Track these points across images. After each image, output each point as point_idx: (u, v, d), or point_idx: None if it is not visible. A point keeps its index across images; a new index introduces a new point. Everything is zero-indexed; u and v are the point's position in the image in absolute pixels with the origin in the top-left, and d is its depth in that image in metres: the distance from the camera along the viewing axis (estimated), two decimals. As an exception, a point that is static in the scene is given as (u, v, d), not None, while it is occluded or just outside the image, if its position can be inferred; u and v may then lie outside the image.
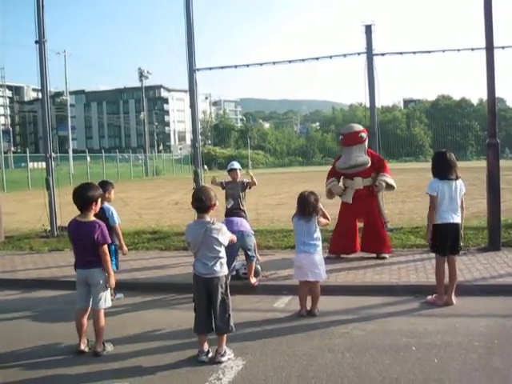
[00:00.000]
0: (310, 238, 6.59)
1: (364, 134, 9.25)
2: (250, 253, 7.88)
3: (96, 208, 5.81)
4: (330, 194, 9.53)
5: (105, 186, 7.85)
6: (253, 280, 7.88)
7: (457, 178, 6.82)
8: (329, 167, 9.96)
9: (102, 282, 5.63)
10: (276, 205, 18.62)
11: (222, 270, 5.37)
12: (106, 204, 7.75)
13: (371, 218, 9.31)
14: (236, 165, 9.14)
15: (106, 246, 5.65)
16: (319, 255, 6.64)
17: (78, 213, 5.73)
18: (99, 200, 5.85)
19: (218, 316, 5.28)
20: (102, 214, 7.56)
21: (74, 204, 5.77)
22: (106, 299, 5.72)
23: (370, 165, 9.13)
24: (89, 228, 5.60)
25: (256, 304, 7.31)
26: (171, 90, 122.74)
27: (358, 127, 9.45)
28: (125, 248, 7.80)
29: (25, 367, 5.33)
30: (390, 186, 9.25)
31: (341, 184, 9.47)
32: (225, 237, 5.42)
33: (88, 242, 5.58)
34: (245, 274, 8.03)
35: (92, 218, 5.71)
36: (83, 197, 5.67)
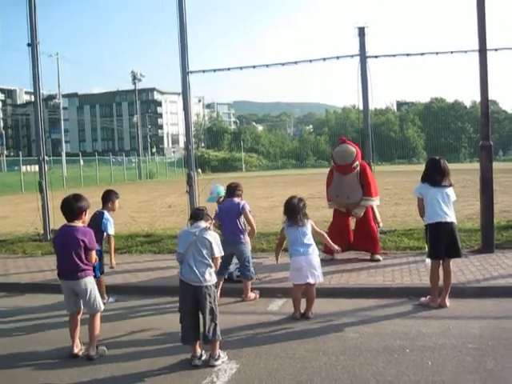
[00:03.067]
0: (307, 240, 6.59)
1: (357, 163, 9.21)
2: (246, 269, 7.57)
3: (84, 218, 5.80)
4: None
5: (109, 195, 7.82)
6: (252, 296, 7.61)
7: (450, 185, 6.86)
8: (322, 170, 9.98)
9: (89, 289, 5.60)
10: (269, 207, 18.60)
11: (211, 278, 5.36)
12: (106, 213, 7.66)
13: (364, 217, 9.33)
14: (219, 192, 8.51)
15: (93, 252, 5.69)
16: (317, 256, 6.64)
17: None
18: (87, 211, 5.83)
19: (206, 326, 5.25)
20: (99, 219, 7.53)
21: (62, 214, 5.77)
22: (99, 302, 5.71)
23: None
24: (80, 231, 5.59)
25: (250, 307, 7.31)
26: (164, 93, 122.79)
27: (352, 154, 9.19)
28: (113, 262, 7.60)
29: (17, 371, 5.31)
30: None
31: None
32: (218, 245, 5.39)
33: (77, 246, 5.53)
34: (238, 277, 7.97)
35: (81, 225, 5.70)
36: (72, 207, 5.65)
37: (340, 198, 9.33)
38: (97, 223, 7.42)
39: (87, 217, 5.94)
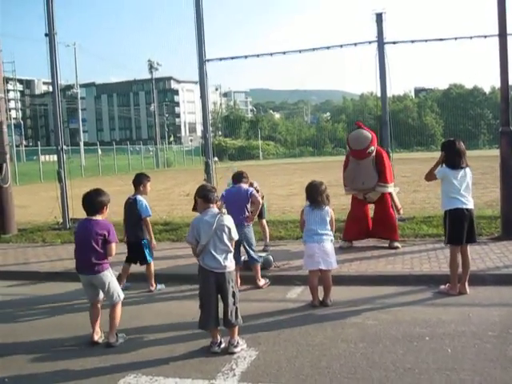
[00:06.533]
0: (323, 228, 6.59)
1: (373, 148, 9.08)
2: (252, 253, 7.66)
3: (105, 213, 5.82)
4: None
5: (140, 179, 7.91)
6: (261, 282, 7.67)
7: (466, 165, 6.83)
8: (340, 157, 9.94)
9: (108, 282, 5.64)
10: (287, 195, 18.58)
11: (232, 264, 5.40)
12: (139, 196, 7.76)
13: (382, 204, 9.35)
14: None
15: (113, 245, 5.68)
16: (330, 245, 6.64)
17: None
18: (108, 205, 5.85)
19: (229, 309, 5.30)
20: (134, 206, 7.61)
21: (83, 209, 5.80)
22: (119, 293, 5.75)
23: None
24: (100, 225, 5.63)
25: (268, 295, 7.32)
26: (181, 82, 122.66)
27: (367, 139, 9.06)
28: (153, 242, 7.81)
29: (38, 358, 5.38)
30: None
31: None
32: (234, 228, 5.43)
33: (96, 241, 5.56)
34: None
35: (101, 219, 5.74)
36: (93, 202, 5.71)
37: (355, 184, 9.30)
38: (132, 210, 7.57)
39: (107, 211, 5.90)
